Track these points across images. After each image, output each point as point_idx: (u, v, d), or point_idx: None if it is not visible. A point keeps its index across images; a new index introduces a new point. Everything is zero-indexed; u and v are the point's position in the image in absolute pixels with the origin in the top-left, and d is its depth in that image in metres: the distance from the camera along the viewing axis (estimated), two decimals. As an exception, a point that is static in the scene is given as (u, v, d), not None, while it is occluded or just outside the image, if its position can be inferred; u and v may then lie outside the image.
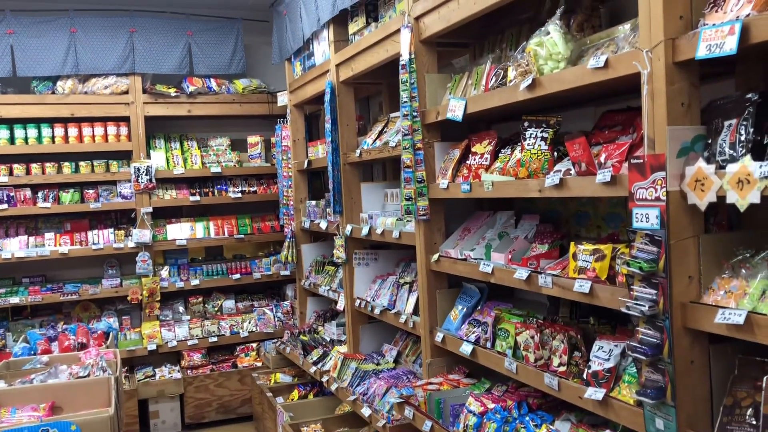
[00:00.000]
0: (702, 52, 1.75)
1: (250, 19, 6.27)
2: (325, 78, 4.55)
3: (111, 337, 4.43)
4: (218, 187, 6.30)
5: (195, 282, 6.14)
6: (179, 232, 6.15)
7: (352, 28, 4.18)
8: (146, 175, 5.89)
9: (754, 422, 1.73)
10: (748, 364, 1.85)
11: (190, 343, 5.97)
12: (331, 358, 4.60)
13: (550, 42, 2.38)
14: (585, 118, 2.88)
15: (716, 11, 1.79)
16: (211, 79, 6.20)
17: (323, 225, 4.88)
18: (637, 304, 1.95)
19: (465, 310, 3.18)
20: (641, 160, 1.94)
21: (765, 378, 1.70)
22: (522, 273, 2.56)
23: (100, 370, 3.53)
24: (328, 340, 4.96)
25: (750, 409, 1.77)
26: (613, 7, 2.62)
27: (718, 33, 1.70)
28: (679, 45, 1.85)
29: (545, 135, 2.55)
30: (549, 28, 2.40)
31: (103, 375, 3.46)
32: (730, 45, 1.67)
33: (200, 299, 6.31)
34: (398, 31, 3.35)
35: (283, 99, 5.73)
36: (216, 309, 6.32)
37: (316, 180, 5.91)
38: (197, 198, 6.16)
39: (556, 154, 2.55)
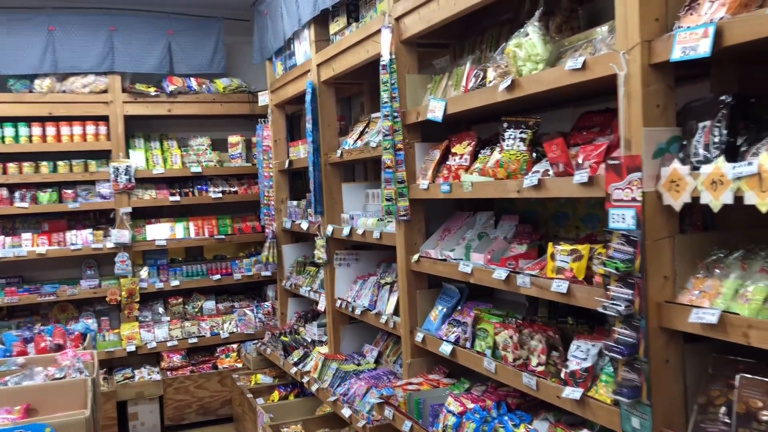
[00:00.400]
0: (677, 55, 1.77)
1: (232, 18, 6.24)
2: (306, 78, 4.54)
3: (88, 339, 4.38)
4: (198, 187, 6.26)
5: (175, 283, 6.09)
6: (159, 232, 6.10)
7: (333, 28, 4.17)
8: (125, 174, 5.83)
9: (727, 420, 1.75)
10: (722, 363, 1.87)
11: (169, 344, 5.92)
12: (311, 359, 4.59)
13: (529, 43, 2.39)
14: (564, 120, 2.90)
15: (691, 14, 1.81)
16: (192, 79, 6.16)
17: (304, 225, 4.86)
18: (613, 303, 1.97)
19: (445, 310, 3.19)
20: (618, 161, 1.95)
21: (737, 376, 1.72)
22: (501, 273, 2.57)
23: (76, 371, 3.48)
24: (309, 340, 4.94)
25: (723, 408, 1.79)
26: (591, 9, 2.64)
27: (693, 36, 1.72)
28: (655, 47, 1.87)
29: (524, 136, 2.56)
30: (528, 30, 2.41)
31: (80, 377, 3.42)
32: (703, 48, 1.68)
33: (180, 300, 6.26)
34: (379, 31, 3.35)
35: (264, 99, 5.71)
36: (196, 310, 6.28)
37: (298, 180, 5.90)
38: (177, 198, 6.11)
39: (534, 155, 2.56)
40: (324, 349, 4.58)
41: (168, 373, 5.83)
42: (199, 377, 5.83)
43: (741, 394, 1.71)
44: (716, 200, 1.70)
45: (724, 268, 1.84)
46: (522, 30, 2.44)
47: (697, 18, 1.78)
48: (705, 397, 1.87)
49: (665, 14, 1.90)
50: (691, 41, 1.72)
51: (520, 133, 2.58)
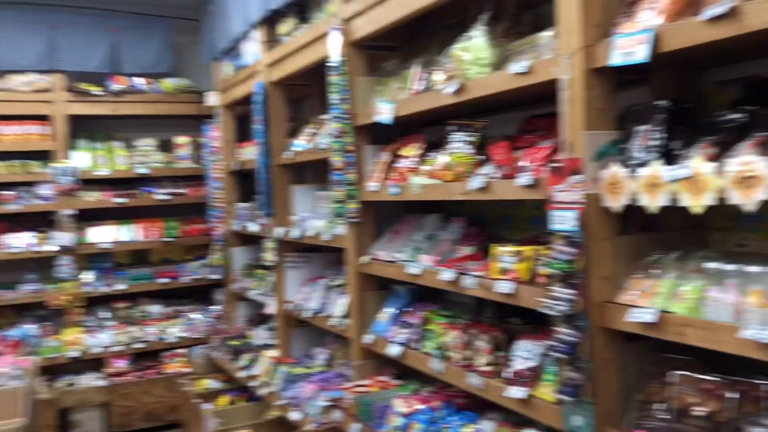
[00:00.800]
0: (615, 60, 1.81)
1: (180, 17, 6.12)
2: (255, 79, 4.49)
3: (27, 345, 4.23)
4: (145, 188, 6.11)
5: (120, 287, 5.93)
6: (104, 235, 5.93)
7: (282, 28, 4.14)
8: (68, 176, 5.66)
9: (664, 416, 1.80)
10: (660, 361, 1.92)
11: (114, 349, 5.76)
12: (260, 363, 4.53)
13: (474, 47, 2.42)
14: (512, 123, 2.93)
15: (629, 20, 1.86)
16: (138, 78, 6.02)
17: (254, 228, 4.81)
18: (556, 304, 2.00)
19: (394, 312, 3.19)
20: (560, 164, 1.99)
21: (673, 374, 1.77)
22: (448, 274, 2.59)
23: (12, 379, 3.36)
24: (259, 344, 4.88)
25: (661, 404, 1.84)
26: (537, 14, 2.68)
27: (630, 42, 1.76)
28: (596, 52, 1.91)
29: (471, 139, 2.59)
30: (474, 34, 2.43)
31: (15, 384, 3.31)
32: (641, 53, 1.73)
33: (126, 304, 6.10)
34: (328, 33, 3.33)
35: (212, 99, 5.62)
36: (142, 314, 6.13)
37: (247, 182, 5.80)
38: (123, 200, 5.95)
39: (482, 157, 2.58)
40: (273, 353, 4.53)
41: (113, 378, 5.68)
42: (145, 383, 5.68)
43: (677, 391, 1.75)
44: (653, 202, 1.75)
45: (661, 269, 1.89)
46: (468, 34, 2.46)
47: (635, 24, 1.82)
48: (644, 395, 1.91)
49: (605, 20, 1.94)
50: (629, 47, 1.76)
51: (467, 136, 2.60)
